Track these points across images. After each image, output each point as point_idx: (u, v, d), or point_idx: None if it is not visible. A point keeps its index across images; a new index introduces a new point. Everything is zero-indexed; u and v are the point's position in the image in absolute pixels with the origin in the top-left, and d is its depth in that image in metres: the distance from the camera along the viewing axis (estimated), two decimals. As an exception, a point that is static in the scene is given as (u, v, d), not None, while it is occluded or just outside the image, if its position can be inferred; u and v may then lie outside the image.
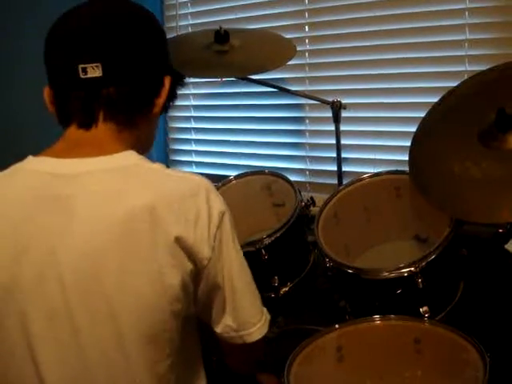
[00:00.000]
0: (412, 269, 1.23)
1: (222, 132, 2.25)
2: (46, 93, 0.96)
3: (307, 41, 1.95)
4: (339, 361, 1.27)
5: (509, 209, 1.15)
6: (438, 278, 1.30)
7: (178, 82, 1.08)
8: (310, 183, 2.00)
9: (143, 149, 1.01)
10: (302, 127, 2.02)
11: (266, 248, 1.46)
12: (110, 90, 0.91)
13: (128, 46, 0.92)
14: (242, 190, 1.70)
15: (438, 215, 1.32)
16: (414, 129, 1.41)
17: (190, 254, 0.87)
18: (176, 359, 0.92)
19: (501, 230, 1.34)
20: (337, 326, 1.24)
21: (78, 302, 0.85)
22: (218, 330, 0.98)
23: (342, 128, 1.80)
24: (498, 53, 1.61)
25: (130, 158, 0.91)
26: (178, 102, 2.28)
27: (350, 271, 1.32)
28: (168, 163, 2.43)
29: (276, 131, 2.09)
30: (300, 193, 1.59)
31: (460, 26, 1.65)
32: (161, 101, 0.97)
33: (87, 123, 0.92)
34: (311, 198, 1.61)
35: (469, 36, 1.64)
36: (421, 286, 1.24)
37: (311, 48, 1.95)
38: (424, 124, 1.41)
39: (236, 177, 1.70)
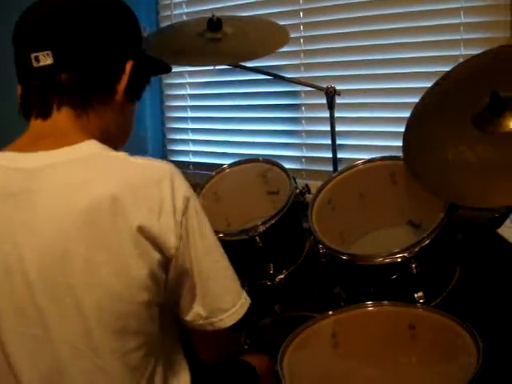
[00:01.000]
0: (405, 254, 1.22)
1: (218, 121, 2.24)
2: (19, 89, 0.95)
3: (302, 27, 1.93)
4: (334, 347, 1.27)
5: (503, 193, 1.15)
6: (432, 263, 1.29)
7: (153, 67, 1.07)
8: (306, 170, 2.00)
9: (116, 138, 0.99)
10: (298, 114, 2.01)
11: (260, 235, 1.45)
12: (61, 77, 0.90)
13: (79, 31, 0.90)
14: (237, 178, 1.69)
15: (432, 200, 1.31)
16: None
17: (155, 243, 0.86)
18: (151, 350, 0.91)
19: (497, 215, 1.34)
20: (330, 312, 1.24)
21: (45, 295, 0.84)
22: (189, 318, 0.95)
23: (338, 114, 1.80)
24: (493, 36, 1.60)
25: (92, 147, 0.90)
26: (174, 92, 2.33)
27: (344, 257, 1.31)
28: (165, 153, 2.43)
29: (272, 119, 2.08)
30: (295, 180, 1.58)
31: (455, 9, 1.63)
32: (121, 87, 0.95)
33: (44, 112, 0.91)
34: (306, 185, 1.61)
35: (464, 19, 1.63)
36: (415, 271, 1.24)
37: (306, 34, 1.94)
38: (417, 109, 1.39)
39: (230, 165, 1.69)
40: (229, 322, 0.96)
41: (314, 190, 1.54)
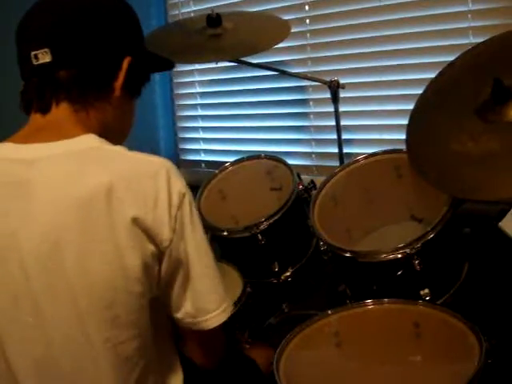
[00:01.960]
0: (407, 250, 1.19)
1: (229, 118, 2.22)
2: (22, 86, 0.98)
3: (308, 21, 1.90)
4: (337, 346, 1.24)
5: (507, 184, 1.10)
6: (438, 259, 1.26)
7: (153, 63, 1.07)
8: (316, 166, 1.96)
9: (116, 134, 1.00)
10: (306, 109, 1.98)
11: (262, 233, 1.43)
12: (60, 74, 0.92)
13: (76, 29, 0.92)
14: (242, 175, 1.67)
15: (438, 194, 1.27)
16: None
17: (149, 235, 0.87)
18: (144, 342, 0.92)
19: (507, 208, 1.29)
20: (329, 311, 1.22)
21: (39, 283, 0.86)
22: (179, 315, 0.96)
23: (346, 109, 1.77)
24: (503, 23, 1.54)
25: (90, 141, 0.92)
26: (185, 90, 2.32)
27: (347, 255, 1.28)
28: (177, 152, 2.43)
29: (281, 115, 2.05)
30: (299, 176, 1.56)
31: (462, -4, 1.58)
32: (118, 83, 0.96)
33: (43, 107, 0.93)
34: (312, 181, 1.58)
35: (472, 7, 1.57)
36: (418, 267, 1.20)
37: (312, 28, 1.90)
38: (421, 100, 1.35)
39: (232, 163, 1.67)
40: (212, 323, 0.95)
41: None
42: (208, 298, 0.95)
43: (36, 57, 0.91)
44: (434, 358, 1.17)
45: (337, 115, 1.62)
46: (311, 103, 1.95)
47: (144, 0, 2.29)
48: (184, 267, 0.92)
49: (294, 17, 1.90)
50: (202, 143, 2.33)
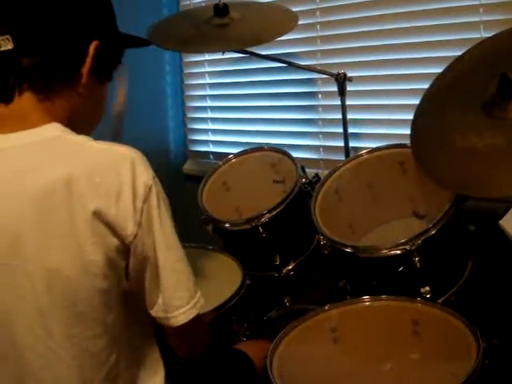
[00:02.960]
0: (407, 247, 1.17)
1: (238, 110, 2.21)
2: None
3: (318, 13, 1.88)
4: (334, 342, 1.23)
5: (510, 181, 1.08)
6: (439, 256, 1.24)
7: (124, 44, 1.02)
8: (323, 160, 1.94)
9: (84, 123, 0.97)
10: (315, 102, 1.95)
11: (263, 226, 1.42)
12: (23, 61, 0.88)
13: (38, 14, 0.88)
14: (246, 167, 1.67)
15: (442, 190, 1.25)
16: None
17: (112, 229, 0.84)
18: (113, 339, 0.90)
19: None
20: (326, 306, 1.20)
21: (2, 279, 0.84)
22: (152, 311, 0.93)
23: (354, 102, 1.75)
24: (515, 17, 1.50)
25: (52, 130, 0.88)
26: (194, 81, 2.31)
27: (348, 250, 1.27)
28: (186, 143, 2.42)
29: (289, 107, 2.04)
30: (303, 169, 1.54)
31: (474, -11, 1.55)
32: (85, 69, 0.92)
33: (5, 97, 0.89)
34: (316, 174, 1.57)
35: (483, 1, 1.54)
36: (418, 264, 1.18)
37: (323, 20, 1.88)
38: (427, 95, 1.33)
39: (236, 155, 1.66)
40: (181, 319, 0.92)
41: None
42: (177, 294, 0.91)
43: None
44: (431, 356, 1.15)
45: (343, 108, 1.60)
46: (320, 96, 1.93)
47: (156, -11, 2.30)
48: (152, 262, 0.89)
49: (304, 8, 1.88)
50: (210, 134, 2.32)
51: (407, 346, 1.18)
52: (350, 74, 1.61)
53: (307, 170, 1.60)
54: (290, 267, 1.52)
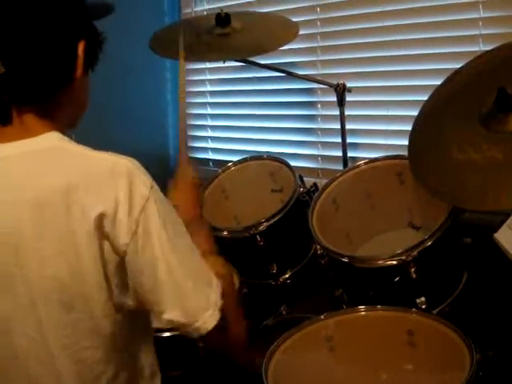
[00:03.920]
0: (403, 257, 1.18)
1: (237, 118, 2.22)
2: None
3: (319, 23, 1.89)
4: (330, 351, 1.24)
5: (506, 195, 1.09)
6: (435, 267, 1.25)
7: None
8: (321, 169, 1.95)
9: (77, 113, 0.96)
10: (314, 112, 1.97)
11: (261, 234, 1.43)
12: (19, 83, 0.86)
13: (24, 34, 0.85)
14: (245, 176, 1.68)
15: (439, 202, 1.26)
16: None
17: (108, 239, 0.83)
18: (112, 350, 0.89)
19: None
20: (322, 316, 1.21)
21: (2, 286, 0.84)
22: (161, 325, 0.89)
23: (353, 112, 1.76)
24: (514, 31, 1.52)
25: (51, 140, 0.88)
26: (194, 88, 2.32)
27: (345, 260, 1.28)
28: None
29: (289, 116, 2.05)
30: (302, 179, 1.55)
31: (473, 3, 1.56)
32: (79, 72, 0.90)
33: (4, 119, 0.88)
34: (314, 184, 1.58)
35: (483, 14, 1.55)
36: (414, 275, 1.19)
37: (323, 31, 1.89)
38: (426, 107, 1.34)
39: (235, 163, 1.67)
40: (205, 328, 0.88)
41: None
42: (195, 303, 0.88)
43: None
44: (426, 367, 1.16)
45: (342, 118, 1.61)
46: (319, 106, 1.95)
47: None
48: (152, 274, 0.86)
49: (305, 19, 1.90)
50: (210, 142, 2.33)
51: (402, 357, 1.19)
52: (349, 85, 1.62)
53: (305, 179, 1.61)
54: (287, 276, 1.53)
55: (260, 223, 1.43)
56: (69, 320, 0.85)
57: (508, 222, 1.01)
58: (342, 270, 1.33)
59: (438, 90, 1.35)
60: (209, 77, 2.29)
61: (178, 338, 1.21)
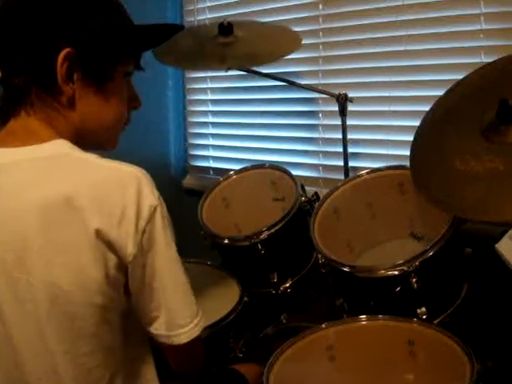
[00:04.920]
0: (405, 268, 1.18)
1: (238, 126, 2.23)
2: None
3: (321, 33, 1.90)
4: (330, 360, 1.24)
5: (507, 206, 1.09)
6: (436, 278, 1.24)
7: (112, 40, 0.94)
8: (322, 179, 1.96)
9: (94, 131, 0.95)
10: (316, 121, 1.97)
11: (262, 242, 1.43)
12: (15, 83, 0.89)
13: (11, 37, 0.88)
14: (246, 184, 1.68)
15: (440, 212, 1.26)
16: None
17: (112, 248, 0.85)
18: (110, 355, 0.91)
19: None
20: (323, 325, 1.21)
21: (4, 291, 0.85)
22: (152, 330, 0.94)
23: (354, 122, 1.76)
24: (515, 43, 1.53)
25: (58, 147, 0.89)
26: (196, 97, 2.33)
27: (346, 269, 1.28)
28: (186, 158, 2.44)
29: (290, 125, 2.06)
30: (303, 188, 1.55)
31: (475, 15, 1.57)
32: (59, 80, 0.88)
33: (7, 115, 0.91)
34: (316, 193, 1.58)
35: (484, 26, 1.56)
36: (415, 285, 1.19)
37: (325, 41, 1.90)
38: (428, 117, 1.35)
39: (236, 172, 1.68)
40: (183, 339, 0.93)
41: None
42: (180, 314, 0.93)
43: None
44: (426, 377, 1.16)
45: (344, 128, 1.62)
46: (321, 115, 1.95)
47: (160, 6, 2.33)
48: (154, 282, 0.89)
49: (307, 28, 1.91)
50: (211, 150, 2.34)
51: (402, 367, 1.19)
52: (350, 95, 1.63)
53: (306, 188, 1.61)
54: (288, 284, 1.52)
55: (261, 232, 1.43)
56: (70, 326, 0.86)
57: (509, 232, 1.01)
58: (343, 279, 1.33)
59: (440, 101, 1.35)
60: (210, 85, 2.30)
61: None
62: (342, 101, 1.57)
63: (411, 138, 1.35)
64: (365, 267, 1.28)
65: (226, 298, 1.39)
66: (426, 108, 1.38)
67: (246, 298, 1.40)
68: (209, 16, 2.24)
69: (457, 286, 1.30)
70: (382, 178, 1.44)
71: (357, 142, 1.81)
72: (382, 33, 1.77)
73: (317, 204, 1.44)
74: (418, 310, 1.22)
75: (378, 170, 1.45)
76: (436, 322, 1.24)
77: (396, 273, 1.19)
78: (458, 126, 1.27)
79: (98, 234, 0.83)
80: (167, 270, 0.90)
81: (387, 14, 1.74)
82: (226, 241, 1.51)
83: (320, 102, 1.93)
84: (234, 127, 2.24)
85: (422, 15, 1.67)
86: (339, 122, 1.66)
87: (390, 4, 1.73)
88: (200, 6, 2.26)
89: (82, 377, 0.89)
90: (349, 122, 1.66)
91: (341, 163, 1.71)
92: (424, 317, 1.22)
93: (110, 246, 0.84)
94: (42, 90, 0.90)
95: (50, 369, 0.87)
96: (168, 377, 1.03)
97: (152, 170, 0.93)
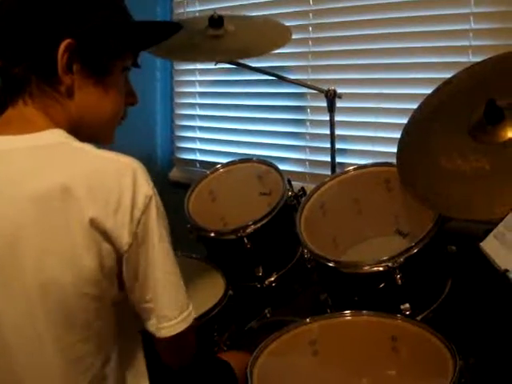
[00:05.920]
0: (389, 264, 1.19)
1: (226, 120, 2.22)
2: None
3: (311, 29, 1.90)
4: (314, 355, 1.24)
5: (490, 205, 1.10)
6: (420, 274, 1.26)
7: (114, 34, 0.94)
8: (309, 174, 1.96)
9: (92, 123, 0.96)
10: (304, 116, 1.98)
11: (248, 237, 1.43)
12: (15, 72, 0.89)
13: (10, 27, 0.89)
14: (233, 178, 1.68)
15: (426, 210, 1.27)
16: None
17: (108, 237, 0.85)
18: (101, 344, 0.91)
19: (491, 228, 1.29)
20: (307, 319, 1.22)
21: None
22: (143, 320, 0.94)
23: (342, 118, 1.77)
24: (503, 43, 1.53)
25: (55, 136, 0.89)
26: (185, 89, 2.32)
27: (331, 264, 1.28)
28: (173, 150, 2.43)
29: (278, 120, 2.06)
30: (290, 183, 1.56)
31: (464, 14, 1.58)
32: (60, 70, 0.89)
33: (6, 103, 0.91)
34: (302, 188, 1.58)
35: (473, 25, 1.58)
36: (399, 282, 1.20)
37: (315, 36, 1.91)
38: (415, 116, 1.36)
39: (224, 165, 1.68)
40: (171, 331, 0.93)
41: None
42: (169, 306, 0.93)
43: None
44: (409, 373, 1.17)
45: (332, 124, 1.62)
46: (309, 110, 1.96)
47: (150, -1, 2.32)
48: (146, 273, 0.90)
49: (297, 23, 1.91)
50: (198, 143, 2.33)
51: (385, 362, 1.20)
52: (339, 91, 1.63)
53: (292, 182, 1.61)
54: (273, 279, 1.53)
55: (247, 226, 1.44)
56: (63, 314, 0.86)
57: (494, 231, 1.02)
58: (328, 274, 1.34)
59: (428, 100, 1.36)
60: (199, 78, 2.29)
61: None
62: (331, 97, 1.57)
63: (398, 135, 1.37)
64: (350, 263, 1.29)
65: (211, 292, 1.39)
66: (414, 106, 1.39)
67: (230, 292, 1.40)
68: (198, 8, 2.23)
69: (440, 283, 1.31)
70: (368, 174, 1.45)
71: (344, 138, 1.82)
72: (371, 30, 1.77)
73: (303, 199, 1.44)
74: (402, 306, 1.24)
75: (365, 166, 1.45)
76: (419, 318, 1.25)
77: (381, 269, 1.20)
78: (445, 124, 1.28)
79: (93, 222, 0.83)
80: (159, 261, 0.90)
81: (377, 11, 1.75)
82: (212, 234, 1.51)
83: (308, 97, 1.94)
84: (222, 120, 2.24)
85: (413, 13, 1.68)
86: (327, 118, 1.66)
87: (380, 1, 1.74)
88: (190, -3, 2.25)
89: (72, 365, 0.89)
90: (336, 117, 1.67)
91: (327, 159, 1.72)
92: (408, 313, 1.23)
93: (106, 235, 0.85)
94: (41, 79, 0.90)
95: (41, 357, 0.87)
96: (156, 370, 1.03)
97: (138, 158, 0.92)
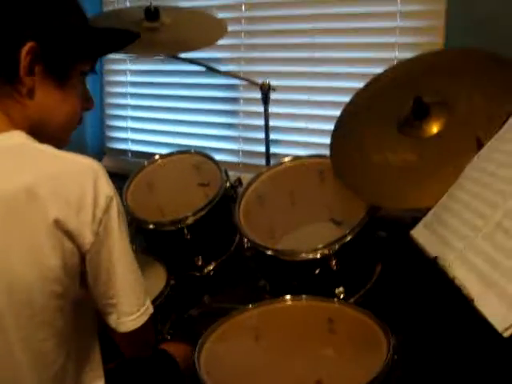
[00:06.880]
0: (326, 251, 1.26)
1: (158, 110, 2.23)
2: None
3: (243, 21, 1.94)
4: (256, 339, 1.29)
5: (418, 195, 1.19)
6: (353, 260, 1.33)
7: (78, 40, 0.95)
8: (243, 164, 2.01)
9: (49, 128, 0.96)
10: (236, 107, 2.02)
11: (188, 227, 1.46)
12: None
13: None
14: (171, 169, 1.69)
15: (357, 199, 1.34)
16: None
17: (71, 236, 0.86)
18: (63, 340, 0.92)
19: (420, 216, 1.39)
20: (250, 305, 1.26)
21: None
22: (104, 316, 0.97)
23: (274, 110, 1.82)
24: (428, 41, 1.63)
25: (17, 137, 0.89)
26: (115, 78, 2.29)
27: (269, 253, 1.34)
28: (104, 140, 2.40)
29: (211, 111, 2.09)
30: (227, 173, 1.60)
31: (391, 12, 1.67)
32: (22, 73, 0.89)
33: None
34: (238, 178, 1.62)
35: (400, 23, 1.67)
36: (335, 267, 1.27)
37: (247, 29, 1.95)
38: (347, 109, 1.43)
39: (162, 156, 1.69)
40: (131, 326, 0.96)
41: (248, 184, 1.55)
42: (128, 302, 0.95)
43: None
44: (346, 352, 1.23)
45: (266, 116, 1.67)
46: (242, 102, 2.00)
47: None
48: (108, 271, 0.92)
49: (230, 15, 1.94)
50: (129, 132, 2.32)
51: (324, 343, 1.26)
52: (271, 83, 1.68)
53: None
54: (211, 267, 1.57)
55: (187, 217, 1.46)
56: (28, 313, 0.87)
57: (424, 220, 1.10)
58: (267, 262, 1.39)
59: (359, 94, 1.44)
60: (130, 67, 2.27)
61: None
62: (266, 89, 1.62)
63: (331, 127, 1.43)
64: (288, 251, 1.34)
65: (152, 282, 1.41)
66: (346, 99, 1.46)
67: (172, 282, 1.42)
68: (128, 5, 2.19)
69: (371, 267, 1.39)
70: (303, 165, 1.51)
71: (277, 129, 1.87)
72: (302, 24, 1.83)
73: (241, 190, 1.49)
74: (336, 290, 1.31)
75: (300, 158, 1.51)
76: (352, 300, 1.33)
77: (318, 256, 1.26)
78: (376, 118, 1.35)
79: (57, 223, 0.84)
80: (121, 259, 0.92)
81: (309, 6, 1.81)
82: (152, 226, 1.53)
83: (241, 88, 1.98)
84: (154, 110, 2.24)
85: (343, 10, 1.76)
86: (260, 109, 1.71)
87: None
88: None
89: (37, 362, 0.90)
90: (270, 109, 1.71)
91: (261, 149, 1.77)
92: (342, 296, 1.31)
93: (69, 235, 0.86)
94: (2, 80, 0.90)
95: (8, 356, 0.88)
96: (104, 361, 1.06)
97: (67, 150, 0.93)
